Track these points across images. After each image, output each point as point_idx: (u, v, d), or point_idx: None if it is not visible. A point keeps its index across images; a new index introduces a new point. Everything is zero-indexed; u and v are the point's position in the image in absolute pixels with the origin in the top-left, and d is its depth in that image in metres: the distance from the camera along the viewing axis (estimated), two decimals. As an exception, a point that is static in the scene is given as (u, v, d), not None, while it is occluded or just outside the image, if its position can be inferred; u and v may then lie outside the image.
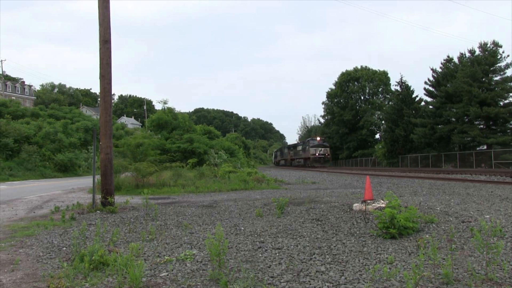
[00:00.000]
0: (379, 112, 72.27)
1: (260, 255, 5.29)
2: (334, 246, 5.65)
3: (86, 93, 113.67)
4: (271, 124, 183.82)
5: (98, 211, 9.74)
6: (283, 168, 71.73)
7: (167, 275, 4.47)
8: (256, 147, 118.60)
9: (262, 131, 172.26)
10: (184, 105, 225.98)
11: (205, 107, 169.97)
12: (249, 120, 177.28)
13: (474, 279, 3.98)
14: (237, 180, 19.02)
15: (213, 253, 4.48)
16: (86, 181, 22.04)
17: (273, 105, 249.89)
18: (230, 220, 8.10)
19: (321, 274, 4.38)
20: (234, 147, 43.14)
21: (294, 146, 76.99)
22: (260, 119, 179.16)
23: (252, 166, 42.95)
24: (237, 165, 32.23)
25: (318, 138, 65.19)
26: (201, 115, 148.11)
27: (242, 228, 7.17)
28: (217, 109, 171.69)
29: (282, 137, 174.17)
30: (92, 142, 38.40)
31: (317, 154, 61.25)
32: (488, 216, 7.42)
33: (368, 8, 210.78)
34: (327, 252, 5.35)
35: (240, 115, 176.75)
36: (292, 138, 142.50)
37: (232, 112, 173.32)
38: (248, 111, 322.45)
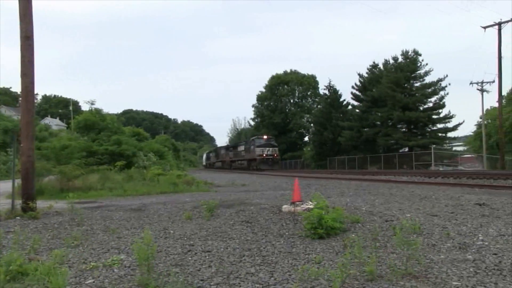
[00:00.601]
0: (308, 116, 73.91)
1: (189, 258, 5.25)
2: (264, 248, 5.71)
3: (6, 92, 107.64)
4: (201, 126, 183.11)
5: (18, 218, 9.23)
6: (215, 170, 68.87)
7: (93, 282, 4.33)
8: (186, 150, 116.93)
9: (192, 133, 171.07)
10: (112, 106, 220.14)
11: (134, 109, 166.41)
12: (179, 122, 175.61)
13: (395, 274, 4.18)
14: (166, 183, 18.75)
15: (141, 258, 4.36)
16: (5, 186, 20.90)
17: (203, 107, 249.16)
18: (159, 224, 7.98)
19: (251, 276, 4.42)
20: (163, 149, 42.47)
21: (235, 146, 67.69)
22: (190, 121, 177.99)
23: (182, 169, 42.51)
24: (166, 167, 31.76)
25: (265, 137, 55.95)
26: (130, 117, 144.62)
27: (172, 232, 7.08)
28: (146, 111, 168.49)
29: (212, 139, 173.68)
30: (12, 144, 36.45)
31: (264, 155, 51.92)
32: (409, 215, 7.78)
33: (301, 12, 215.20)
34: (256, 253, 5.41)
35: (170, 117, 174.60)
36: (222, 140, 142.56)
37: (162, 114, 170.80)
38: (178, 113, 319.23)
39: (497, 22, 36.56)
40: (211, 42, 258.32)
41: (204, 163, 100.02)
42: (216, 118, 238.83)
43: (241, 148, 61.20)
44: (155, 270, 4.61)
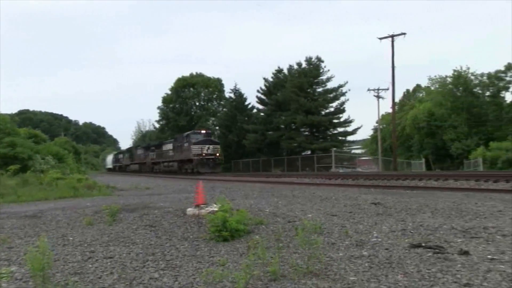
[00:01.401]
0: (213, 118, 74.00)
1: (90, 265, 5.06)
2: (168, 252, 5.65)
3: None
4: (104, 128, 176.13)
5: None
6: (119, 174, 64.17)
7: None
8: (88, 152, 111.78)
9: (95, 136, 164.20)
10: (5, 106, 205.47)
11: (31, 109, 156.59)
12: (81, 124, 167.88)
13: (298, 273, 4.31)
14: (66, 187, 17.88)
15: (36, 268, 4.07)
16: None
17: (107, 109, 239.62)
18: (57, 231, 7.59)
19: (155, 281, 4.35)
20: (63, 152, 40.48)
21: (159, 144, 54.65)
22: (93, 123, 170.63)
23: (83, 172, 40.79)
24: (66, 171, 30.35)
25: (203, 131, 45.28)
26: (26, 118, 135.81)
27: (71, 239, 6.78)
28: (45, 112, 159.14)
29: (115, 142, 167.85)
30: None
31: (204, 154, 40.82)
32: (310, 215, 8.06)
33: (206, 16, 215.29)
34: (160, 258, 5.33)
35: (70, 118, 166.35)
36: (126, 143, 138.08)
37: (62, 115, 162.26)
38: (79, 115, 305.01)
39: (390, 34, 39.13)
40: (115, 42, 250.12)
41: (110, 166, 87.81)
42: (120, 120, 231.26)
43: (168, 146, 49.71)
44: (52, 280, 4.37)
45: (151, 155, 55.49)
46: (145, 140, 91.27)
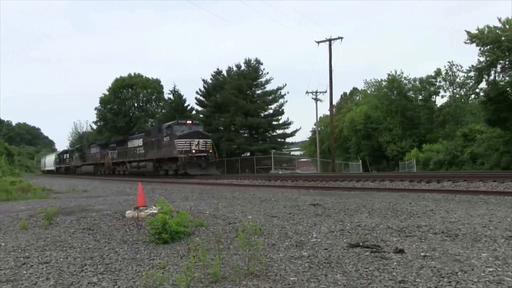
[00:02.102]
0: (152, 120, 72.93)
1: (24, 272, 4.83)
2: (107, 255, 5.49)
3: None
4: (39, 129, 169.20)
5: None
6: (56, 176, 60.97)
7: None
8: (21, 154, 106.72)
9: (29, 137, 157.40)
10: None
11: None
12: (14, 124, 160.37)
13: (239, 274, 4.31)
14: (-3, 191, 17.03)
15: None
16: None
17: (42, 109, 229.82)
18: (-14, 236, 7.21)
19: (93, 286, 4.22)
20: (-5, 154, 38.66)
21: (122, 141, 44.19)
22: (27, 123, 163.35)
23: (17, 175, 39.05)
24: (-3, 174, 28.98)
25: (190, 121, 35.48)
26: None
27: (3, 244, 6.44)
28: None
29: (51, 143, 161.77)
30: None
31: (193, 151, 31.66)
32: (250, 217, 8.09)
33: (145, 16, 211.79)
34: (99, 262, 5.18)
35: (2, 118, 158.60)
36: (63, 144, 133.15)
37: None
38: (12, 115, 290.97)
39: (328, 38, 40.04)
40: (51, 40, 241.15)
41: (51, 168, 77.38)
42: (57, 121, 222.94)
43: (136, 142, 39.58)
44: (-20, 288, 4.15)
45: (111, 154, 45.59)
46: (82, 141, 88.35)
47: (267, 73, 52.34)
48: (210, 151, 32.86)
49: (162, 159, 34.54)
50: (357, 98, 77.84)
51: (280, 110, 51.10)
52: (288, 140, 53.61)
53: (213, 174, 32.24)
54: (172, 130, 33.34)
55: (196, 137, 32.30)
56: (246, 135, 51.11)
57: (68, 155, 67.23)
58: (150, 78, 79.33)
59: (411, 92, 55.68)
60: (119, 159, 43.54)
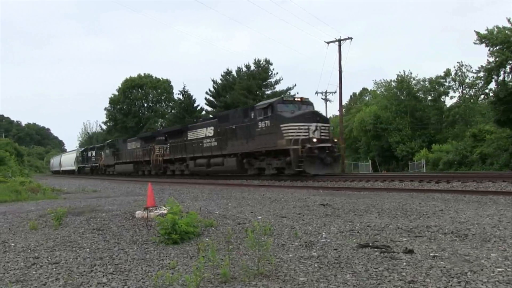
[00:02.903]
0: (161, 120, 73.19)
1: (34, 272, 4.88)
2: (116, 256, 5.53)
3: None
4: (48, 129, 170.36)
5: None
6: (65, 177, 59.33)
7: None
8: (31, 154, 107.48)
9: (38, 137, 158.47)
10: None
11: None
12: (23, 124, 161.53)
13: (248, 275, 4.33)
14: (7, 191, 17.17)
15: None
16: None
17: (51, 109, 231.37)
18: (-3, 237, 7.28)
19: (103, 286, 4.26)
20: (4, 154, 39.02)
21: (179, 131, 33.71)
22: (36, 124, 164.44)
23: (26, 175, 39.42)
24: (7, 174, 29.23)
25: (299, 99, 24.39)
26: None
27: (13, 245, 6.51)
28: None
29: (61, 143, 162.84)
30: None
31: (315, 140, 21.52)
32: (260, 217, 8.11)
33: (154, 16, 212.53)
34: (109, 262, 5.22)
35: (12, 119, 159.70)
36: (72, 144, 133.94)
37: (3, 116, 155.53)
38: (22, 115, 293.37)
39: (337, 38, 39.94)
40: (60, 41, 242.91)
41: (69, 168, 68.08)
42: (66, 121, 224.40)
43: (204, 132, 29.24)
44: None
45: (159, 149, 35.73)
46: (92, 142, 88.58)
47: (277, 73, 52.54)
48: (335, 140, 23.44)
49: (255, 153, 24.26)
50: (367, 98, 77.69)
51: (290, 110, 51.01)
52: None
53: (332, 174, 22.49)
54: (275, 111, 22.70)
55: (314, 121, 22.06)
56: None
57: (94, 152, 56.09)
58: (160, 79, 79.65)
59: (420, 93, 55.47)
60: (174, 155, 33.03)
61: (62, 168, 73.35)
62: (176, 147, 33.01)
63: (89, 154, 58.20)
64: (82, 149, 65.11)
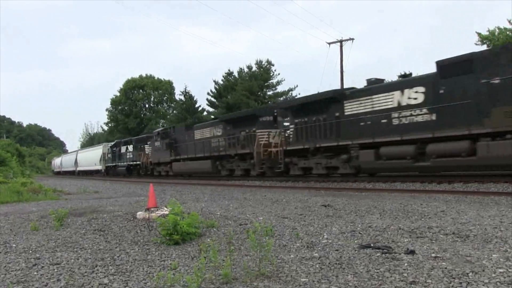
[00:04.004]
0: (163, 121, 73.28)
1: (35, 273, 4.88)
2: (118, 256, 5.54)
3: None
4: (50, 130, 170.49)
5: None
6: (67, 177, 58.38)
7: None
8: (32, 155, 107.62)
9: (40, 138, 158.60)
10: None
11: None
12: (25, 125, 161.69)
13: (250, 275, 4.33)
14: (8, 192, 17.19)
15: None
16: None
17: (52, 110, 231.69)
18: (-1, 237, 7.29)
19: (104, 287, 4.26)
20: (6, 155, 39.09)
21: (306, 105, 21.01)
22: (38, 124, 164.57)
23: (28, 176, 39.48)
24: (9, 175, 29.28)
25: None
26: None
27: (14, 245, 6.52)
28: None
29: (62, 144, 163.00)
30: None
31: None
32: (261, 218, 8.11)
33: (156, 18, 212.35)
34: (110, 263, 5.22)
35: (13, 119, 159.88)
36: (73, 145, 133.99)
37: (4, 117, 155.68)
38: (23, 116, 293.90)
39: (339, 39, 39.99)
40: (61, 43, 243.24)
41: (91, 167, 56.90)
42: (67, 122, 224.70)
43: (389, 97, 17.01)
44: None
45: (265, 135, 24.40)
46: (93, 142, 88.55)
47: (278, 74, 52.51)
48: None
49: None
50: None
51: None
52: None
53: None
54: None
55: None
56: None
57: (131, 146, 43.48)
58: (162, 80, 79.75)
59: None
60: (311, 142, 20.64)
61: (79, 168, 62.24)
62: (313, 129, 20.56)
63: (123, 150, 45.49)
64: (112, 143, 51.32)
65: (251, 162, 24.88)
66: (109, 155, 49.96)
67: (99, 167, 53.62)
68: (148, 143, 39.47)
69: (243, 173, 26.24)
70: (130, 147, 43.60)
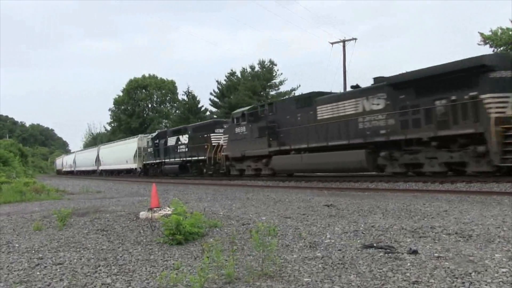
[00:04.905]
0: (166, 121, 73.30)
1: (38, 273, 4.89)
2: (121, 256, 5.55)
3: None
4: (52, 130, 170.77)
5: None
6: (68, 177, 58.90)
7: None
8: (35, 155, 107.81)
9: (42, 138, 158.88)
10: None
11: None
12: (27, 125, 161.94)
13: (252, 275, 4.34)
14: (11, 192, 17.24)
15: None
16: None
17: (55, 110, 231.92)
18: (1, 237, 7.30)
19: (107, 287, 4.27)
20: (8, 155, 39.17)
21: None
22: (40, 124, 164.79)
23: (31, 176, 39.54)
24: (12, 175, 29.33)
25: None
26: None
27: (17, 245, 6.53)
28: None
29: (65, 144, 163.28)
30: None
31: None
32: (264, 218, 8.11)
33: (159, 18, 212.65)
34: (113, 263, 5.24)
35: (16, 119, 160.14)
36: (76, 145, 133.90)
37: (7, 117, 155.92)
38: (26, 116, 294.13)
39: (342, 39, 39.91)
40: (64, 43, 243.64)
41: (119, 166, 47.32)
42: (70, 122, 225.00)
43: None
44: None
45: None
46: (96, 142, 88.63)
47: (281, 74, 52.61)
48: None
49: None
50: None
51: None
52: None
53: None
54: None
55: None
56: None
57: (185, 137, 33.13)
58: (165, 80, 79.79)
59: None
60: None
61: (103, 167, 52.63)
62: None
63: (171, 142, 35.17)
64: (154, 134, 39.98)
65: (462, 151, 15.19)
66: (150, 150, 39.30)
67: (132, 165, 43.60)
68: (217, 130, 30.13)
69: (442, 170, 16.29)
70: (184, 138, 33.10)
